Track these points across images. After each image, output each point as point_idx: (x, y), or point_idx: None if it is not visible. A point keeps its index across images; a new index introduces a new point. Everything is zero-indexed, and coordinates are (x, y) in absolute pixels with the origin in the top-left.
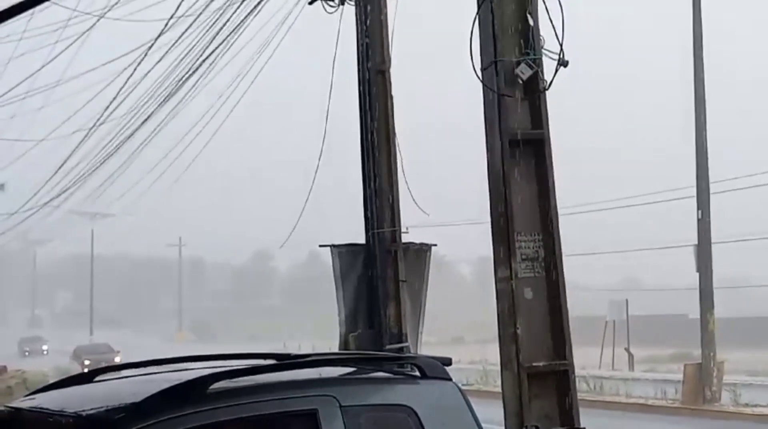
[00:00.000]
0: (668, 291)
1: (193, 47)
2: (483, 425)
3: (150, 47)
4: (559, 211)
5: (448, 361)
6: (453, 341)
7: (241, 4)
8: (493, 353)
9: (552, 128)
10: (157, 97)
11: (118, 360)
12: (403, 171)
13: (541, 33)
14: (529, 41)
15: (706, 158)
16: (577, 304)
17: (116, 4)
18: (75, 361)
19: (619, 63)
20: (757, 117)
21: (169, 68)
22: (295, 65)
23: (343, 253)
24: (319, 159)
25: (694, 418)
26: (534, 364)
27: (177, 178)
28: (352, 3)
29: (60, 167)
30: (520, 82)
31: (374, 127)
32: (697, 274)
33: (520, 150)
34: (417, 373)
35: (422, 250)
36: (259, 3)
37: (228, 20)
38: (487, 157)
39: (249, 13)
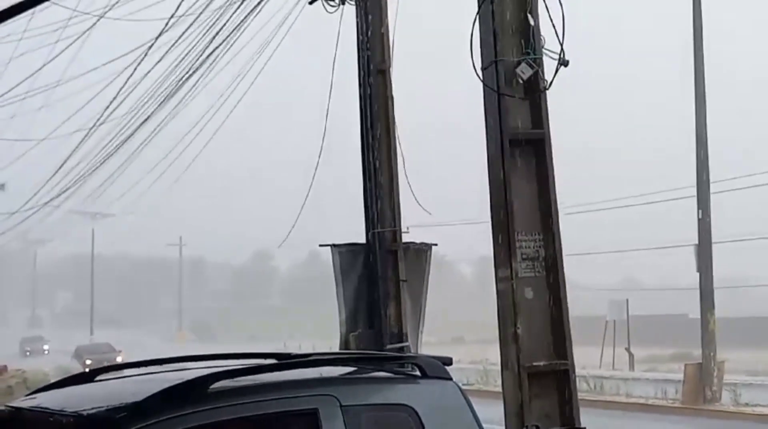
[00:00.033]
0: (668, 291)
1: (193, 47)
2: (483, 425)
3: (150, 47)
4: (559, 211)
5: (448, 361)
6: (453, 341)
7: (241, 4)
8: (493, 353)
9: (552, 128)
10: (158, 97)
11: (119, 360)
12: (405, 170)
13: (542, 33)
14: (529, 41)
15: (707, 158)
16: (577, 303)
17: (116, 3)
18: (76, 360)
19: (619, 63)
20: (757, 117)
21: (169, 68)
22: (296, 65)
23: (344, 252)
24: (319, 157)
25: (694, 418)
26: (534, 363)
27: (177, 177)
28: (353, 3)
29: (60, 167)
30: (521, 81)
31: (374, 127)
32: (698, 274)
33: (520, 149)
34: (417, 373)
35: (422, 250)
36: (259, 3)
37: (228, 20)
38: (488, 157)
39: (249, 13)
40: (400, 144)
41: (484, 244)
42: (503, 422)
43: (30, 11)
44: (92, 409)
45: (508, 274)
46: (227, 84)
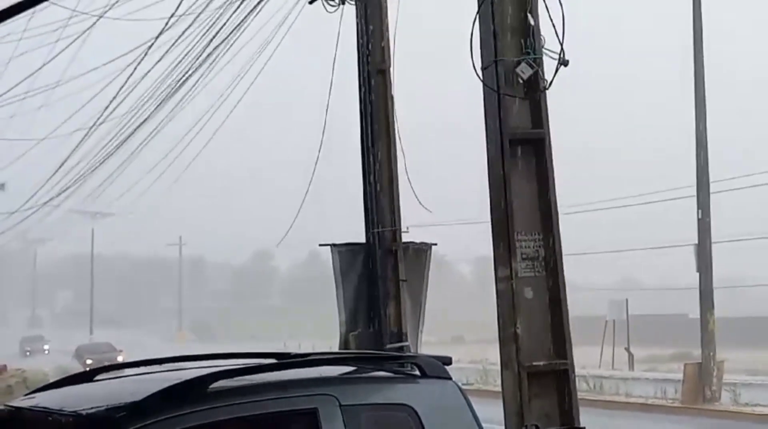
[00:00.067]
0: (668, 291)
1: (193, 47)
2: (483, 424)
3: (150, 46)
4: (559, 211)
5: (448, 361)
6: (453, 340)
7: (241, 3)
8: (493, 352)
9: (552, 128)
10: (157, 97)
11: (120, 359)
12: (406, 170)
13: (542, 32)
14: (529, 41)
15: (707, 159)
16: (577, 303)
17: (115, 3)
18: (77, 360)
19: (619, 63)
20: (757, 117)
21: (169, 68)
22: (295, 65)
23: (343, 252)
24: (318, 155)
25: (693, 418)
26: (534, 363)
27: (177, 177)
28: (353, 3)
29: (60, 166)
30: (521, 81)
31: (374, 127)
32: (697, 274)
33: (520, 149)
34: (417, 373)
35: (422, 250)
36: (259, 2)
37: (228, 20)
38: (488, 157)
39: (249, 13)
40: (401, 143)
41: (484, 244)
42: (503, 422)
43: (30, 11)
44: (91, 408)
45: (508, 273)
46: (227, 84)
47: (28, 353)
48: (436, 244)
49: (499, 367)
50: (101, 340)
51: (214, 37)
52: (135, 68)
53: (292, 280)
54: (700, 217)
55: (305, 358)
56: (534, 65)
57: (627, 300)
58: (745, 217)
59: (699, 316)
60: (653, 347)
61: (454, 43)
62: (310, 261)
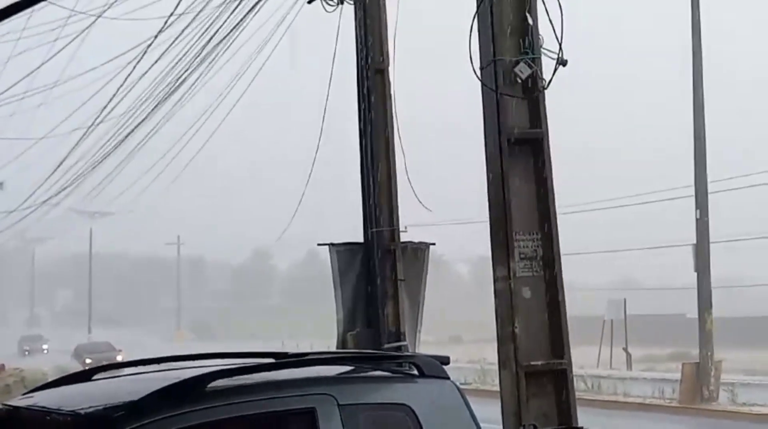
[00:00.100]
0: (666, 290)
1: (192, 46)
2: (481, 424)
3: (149, 45)
4: (557, 211)
5: (446, 360)
6: (451, 340)
7: (240, 3)
8: (491, 352)
9: (551, 128)
10: (156, 96)
11: (120, 359)
12: (406, 169)
13: (540, 32)
14: (528, 40)
15: (705, 158)
16: (575, 303)
17: (114, 2)
18: (76, 360)
19: (619, 63)
20: (757, 117)
21: (167, 67)
22: (295, 64)
23: (342, 251)
24: (315, 155)
25: (691, 418)
26: (532, 363)
27: (176, 176)
28: (351, 2)
29: (59, 166)
30: (519, 81)
31: (373, 126)
32: (695, 274)
33: (518, 149)
34: (415, 372)
35: (420, 249)
36: (257, 2)
37: (226, 19)
38: (486, 156)
39: (248, 12)
40: (401, 142)
41: (482, 244)
42: (501, 421)
43: (28, 10)
44: (89, 407)
45: (506, 273)
46: (226, 83)
47: (26, 353)
48: (434, 244)
49: (497, 367)
50: (100, 339)
51: (212, 36)
52: (134, 68)
53: (290, 280)
54: (698, 217)
55: (303, 358)
56: (532, 65)
57: (625, 300)
58: (743, 217)
59: (697, 316)
60: (651, 347)
61: (454, 41)
62: (308, 260)
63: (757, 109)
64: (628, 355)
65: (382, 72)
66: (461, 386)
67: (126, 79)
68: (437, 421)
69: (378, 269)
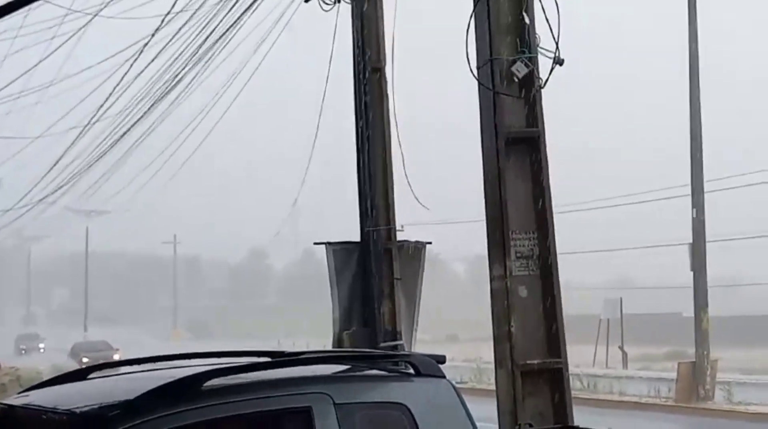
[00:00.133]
0: (662, 289)
1: (189, 44)
2: (477, 423)
3: (146, 44)
4: (554, 210)
5: (442, 359)
6: (447, 339)
7: (237, 1)
8: (487, 351)
9: (552, 128)
10: (153, 95)
11: (117, 358)
12: (404, 167)
13: (537, 31)
14: (524, 39)
15: (701, 157)
16: (571, 302)
17: (110, 1)
18: (73, 358)
19: (619, 63)
20: (757, 117)
21: (164, 66)
22: (291, 63)
23: (338, 250)
24: (311, 154)
25: (687, 417)
26: (528, 362)
27: (173, 175)
28: (348, 1)
29: (55, 164)
30: (516, 80)
31: (369, 126)
32: (692, 273)
33: (515, 148)
34: (411, 371)
35: (417, 248)
36: (254, 1)
37: (223, 18)
38: (483, 156)
39: (245, 11)
40: (399, 141)
41: (479, 243)
42: (497, 420)
43: (25, 9)
44: (85, 406)
45: (503, 272)
46: (223, 82)
47: (23, 351)
48: (430, 243)
49: (493, 366)
50: (97, 338)
51: (209, 35)
52: (130, 66)
53: (287, 279)
54: (694, 216)
55: (299, 357)
56: (529, 64)
57: (621, 299)
58: (739, 216)
59: (693, 315)
60: (647, 346)
61: (454, 41)
62: (305, 259)
63: (756, 109)
64: (624, 354)
65: (379, 71)
66: (457, 385)
67: (122, 77)
68: (433, 420)
69: (374, 268)
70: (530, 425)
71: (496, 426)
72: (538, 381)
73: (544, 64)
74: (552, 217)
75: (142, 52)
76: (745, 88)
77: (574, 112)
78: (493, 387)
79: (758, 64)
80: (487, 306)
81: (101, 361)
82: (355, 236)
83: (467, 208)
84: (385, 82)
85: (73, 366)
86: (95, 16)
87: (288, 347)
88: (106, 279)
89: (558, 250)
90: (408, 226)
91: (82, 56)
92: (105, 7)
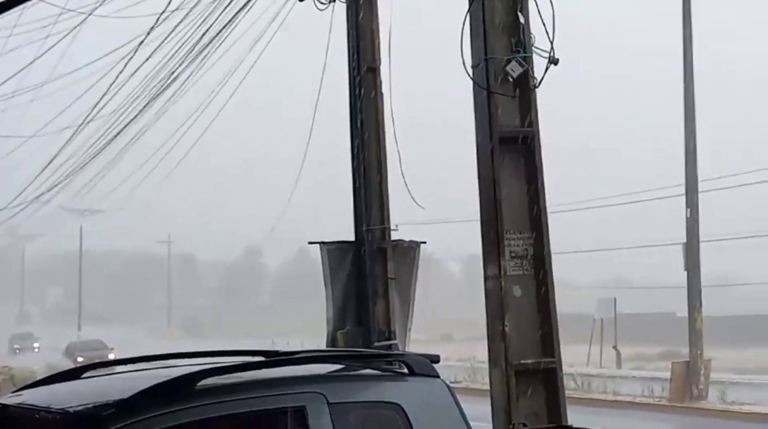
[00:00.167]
0: (656, 289)
1: (184, 43)
2: (471, 422)
3: (141, 42)
4: (549, 210)
5: (436, 359)
6: (441, 339)
7: (232, 0)
8: (481, 351)
9: (552, 127)
10: (148, 94)
11: (111, 357)
12: (401, 166)
13: (532, 31)
14: (519, 39)
15: (695, 157)
16: (565, 301)
17: (105, 0)
18: (68, 358)
19: (618, 63)
20: (757, 117)
21: (159, 65)
22: (286, 62)
23: (333, 250)
24: (305, 152)
25: (681, 416)
26: (522, 361)
27: (167, 174)
28: (343, 0)
29: (49, 163)
30: (511, 79)
31: (364, 125)
32: (685, 273)
33: (509, 148)
34: (405, 371)
35: (411, 248)
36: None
37: (218, 17)
38: (477, 155)
39: (240, 10)
40: (396, 140)
41: (473, 242)
42: (491, 420)
43: (19, 7)
44: (78, 405)
45: (497, 272)
46: (218, 80)
47: (17, 351)
48: (425, 243)
49: (487, 365)
50: (91, 337)
51: (204, 33)
52: (125, 65)
53: (281, 278)
54: (688, 216)
55: (293, 356)
56: (524, 64)
57: (615, 298)
58: (733, 216)
59: (687, 315)
60: (641, 345)
61: (452, 41)
62: (299, 259)
63: (756, 109)
64: (618, 354)
65: (373, 70)
66: (451, 385)
67: (117, 76)
68: (427, 420)
69: (369, 268)
70: (524, 425)
71: (490, 425)
72: (532, 380)
73: (539, 63)
74: (546, 217)
75: (136, 50)
76: (744, 88)
77: (573, 111)
78: (488, 386)
79: (757, 64)
80: (481, 305)
81: (96, 360)
82: (350, 236)
83: (462, 208)
84: (380, 81)
85: (67, 365)
86: (90, 14)
87: (282, 346)
88: (100, 278)
89: (552, 250)
90: (402, 225)
91: (76, 55)
92: (99, 5)
